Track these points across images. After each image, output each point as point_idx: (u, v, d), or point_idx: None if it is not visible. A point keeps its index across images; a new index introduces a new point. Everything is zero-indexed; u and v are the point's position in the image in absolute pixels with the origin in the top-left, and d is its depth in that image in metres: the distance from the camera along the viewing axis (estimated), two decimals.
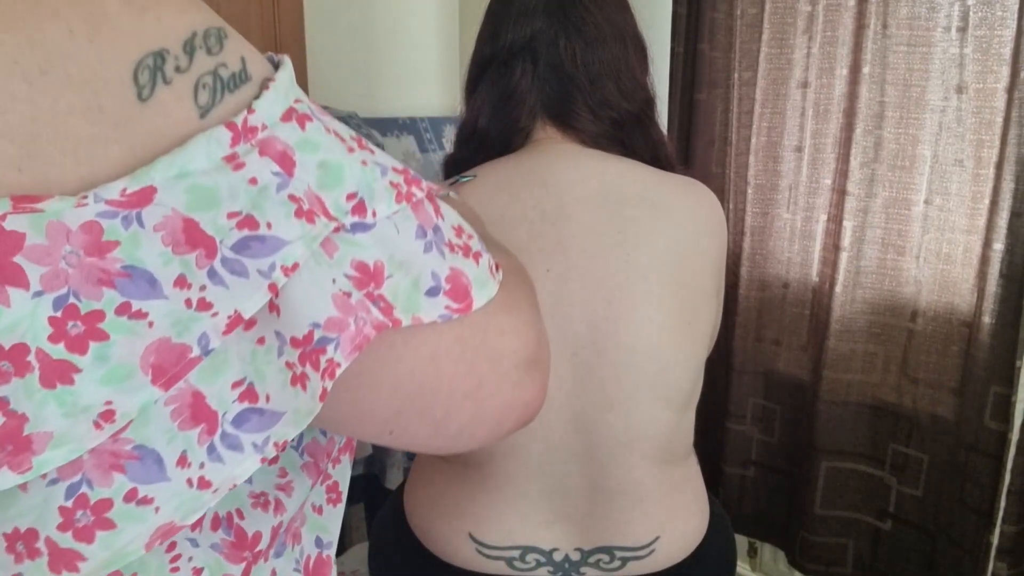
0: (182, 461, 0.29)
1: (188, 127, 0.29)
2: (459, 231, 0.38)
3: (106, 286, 0.27)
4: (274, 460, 0.36)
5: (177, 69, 0.28)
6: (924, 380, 1.30)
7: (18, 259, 0.25)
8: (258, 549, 0.37)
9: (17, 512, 0.28)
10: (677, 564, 0.81)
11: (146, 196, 0.27)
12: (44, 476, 0.27)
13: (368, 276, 0.32)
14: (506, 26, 0.82)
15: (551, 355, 0.75)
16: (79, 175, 0.27)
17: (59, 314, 0.26)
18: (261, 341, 0.31)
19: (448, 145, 1.75)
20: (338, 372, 0.31)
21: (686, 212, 0.80)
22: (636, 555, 0.79)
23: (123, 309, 0.27)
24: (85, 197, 0.26)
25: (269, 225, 0.29)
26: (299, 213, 0.30)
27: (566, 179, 0.78)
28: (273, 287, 0.29)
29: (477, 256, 0.37)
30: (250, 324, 0.30)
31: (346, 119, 1.45)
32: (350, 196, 0.31)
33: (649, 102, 0.86)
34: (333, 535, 0.43)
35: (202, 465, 0.30)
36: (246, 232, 0.29)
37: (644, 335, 0.75)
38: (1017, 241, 1.15)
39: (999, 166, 1.15)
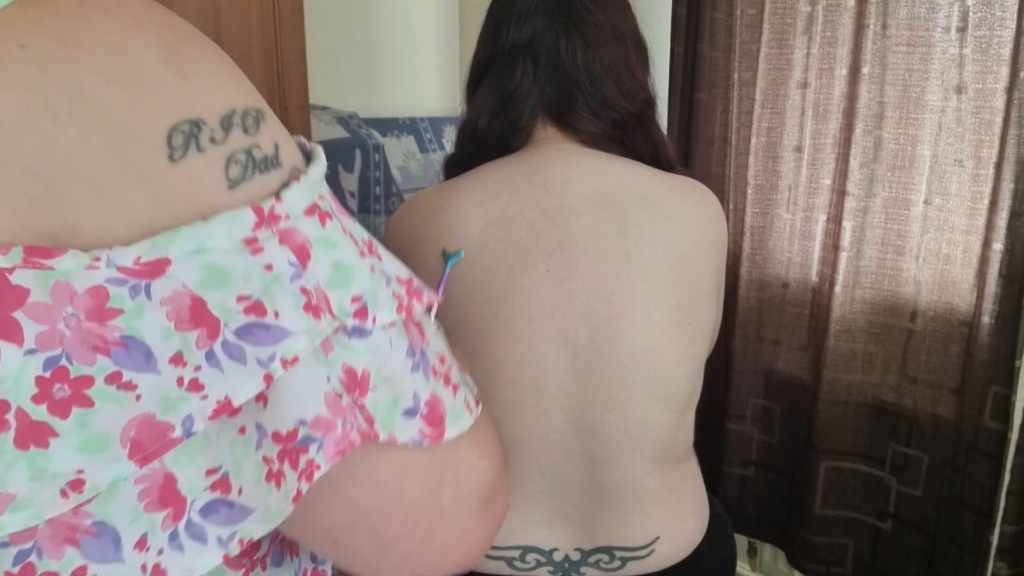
0: (141, 544, 0.28)
1: (216, 196, 0.29)
2: (442, 359, 0.37)
3: (100, 353, 0.26)
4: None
5: (212, 140, 0.29)
6: (924, 380, 1.30)
7: (17, 314, 0.25)
8: (257, 556, 0.37)
9: None
10: (677, 564, 0.81)
11: (159, 267, 0.27)
12: None
13: (354, 383, 0.32)
14: (507, 26, 0.82)
15: (552, 354, 0.75)
16: (97, 219, 0.27)
17: (47, 375, 0.25)
18: (242, 431, 0.30)
19: (448, 145, 1.75)
20: (316, 475, 0.30)
21: (686, 212, 0.80)
22: (636, 555, 0.79)
23: (113, 378, 0.26)
24: (98, 259, 0.26)
25: (277, 314, 0.29)
26: (307, 307, 0.29)
27: (566, 179, 0.78)
28: (268, 378, 0.29)
29: (456, 388, 0.37)
30: (235, 412, 0.29)
31: (346, 119, 1.45)
32: (355, 299, 0.31)
33: (649, 102, 0.86)
34: None
35: (161, 551, 0.29)
36: (252, 318, 0.28)
37: (644, 335, 0.75)
38: (1016, 241, 1.15)
39: (998, 166, 1.15)
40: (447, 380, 0.37)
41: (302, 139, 0.35)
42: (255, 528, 0.30)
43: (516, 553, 0.79)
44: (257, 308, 0.28)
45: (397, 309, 0.33)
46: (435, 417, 0.35)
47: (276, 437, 0.30)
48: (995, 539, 1.21)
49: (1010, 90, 1.13)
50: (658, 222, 0.77)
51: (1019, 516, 1.19)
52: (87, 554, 0.28)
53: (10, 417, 0.25)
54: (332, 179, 1.35)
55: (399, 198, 1.50)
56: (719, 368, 1.51)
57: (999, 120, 1.15)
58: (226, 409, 0.28)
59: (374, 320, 0.32)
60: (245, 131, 0.30)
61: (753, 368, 1.51)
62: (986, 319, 1.18)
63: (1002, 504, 1.20)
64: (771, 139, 1.41)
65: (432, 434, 0.34)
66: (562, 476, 0.78)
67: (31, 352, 0.25)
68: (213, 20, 1.01)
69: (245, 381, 0.28)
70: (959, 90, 1.19)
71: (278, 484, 0.30)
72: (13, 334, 0.25)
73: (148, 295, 0.26)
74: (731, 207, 1.47)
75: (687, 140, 1.52)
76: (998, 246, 1.16)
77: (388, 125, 1.64)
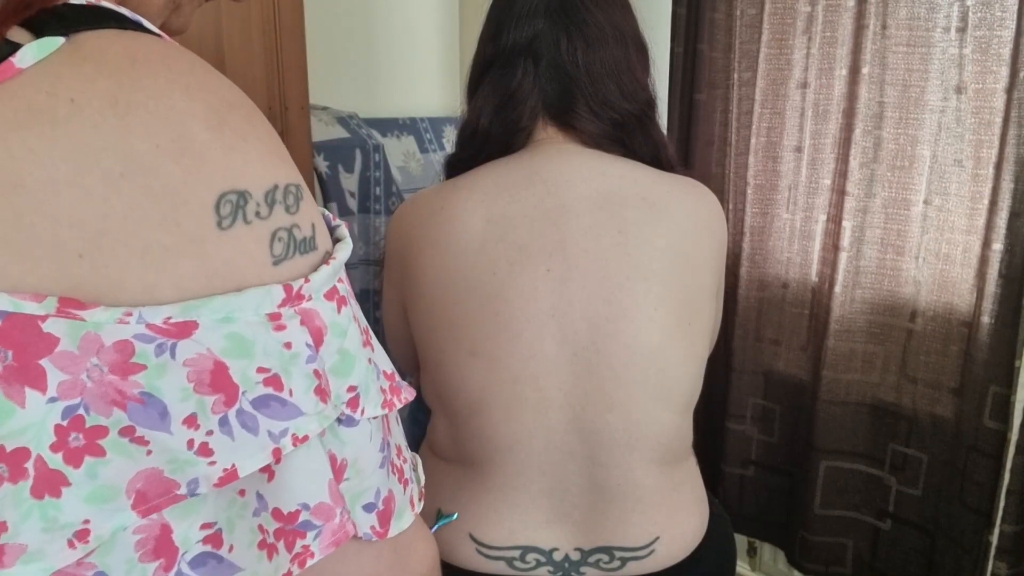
0: None
1: (261, 270, 0.29)
2: (399, 452, 0.38)
3: (117, 406, 0.26)
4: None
5: (258, 215, 0.29)
6: (923, 380, 1.30)
7: (44, 362, 0.25)
8: None
9: None
10: (677, 564, 0.81)
11: (187, 329, 0.27)
12: None
13: (335, 470, 0.32)
14: (508, 27, 0.82)
15: (552, 354, 0.75)
16: (145, 279, 0.27)
17: (65, 423, 0.26)
18: (241, 493, 0.30)
19: (448, 145, 1.75)
20: (309, 563, 0.31)
21: (686, 212, 0.80)
22: (636, 555, 0.79)
23: (127, 432, 0.27)
24: (129, 314, 0.26)
25: (291, 392, 0.29)
26: (318, 390, 0.30)
27: (567, 179, 0.78)
28: (277, 452, 0.29)
29: (406, 483, 0.38)
30: (238, 477, 0.30)
31: (346, 119, 1.45)
32: (351, 388, 0.32)
33: (650, 102, 0.86)
34: None
35: None
36: (270, 391, 0.29)
37: (644, 335, 0.75)
38: (1016, 241, 1.15)
39: (998, 166, 1.15)
40: (400, 475, 0.37)
41: (327, 213, 0.35)
42: None
43: (516, 553, 0.79)
44: (275, 382, 0.29)
45: (382, 404, 0.34)
46: (386, 514, 0.35)
47: (276, 514, 0.30)
48: (994, 539, 1.21)
49: (1010, 90, 1.13)
50: (658, 222, 0.77)
51: (1019, 516, 1.19)
52: None
53: (29, 466, 0.25)
54: (332, 179, 1.35)
55: (399, 198, 1.50)
56: (719, 368, 1.51)
57: (999, 120, 1.15)
58: (232, 478, 0.29)
59: (363, 412, 0.33)
60: (287, 210, 0.31)
61: (753, 368, 1.51)
62: (986, 319, 1.18)
63: (1001, 504, 1.20)
64: (771, 139, 1.41)
65: (379, 531, 0.35)
66: (562, 476, 0.78)
67: (53, 400, 0.25)
68: (214, 21, 1.01)
69: (255, 453, 0.29)
70: (959, 90, 1.19)
71: (270, 556, 0.31)
72: (39, 381, 0.25)
73: (173, 355, 0.27)
74: (731, 207, 1.47)
75: (687, 140, 1.52)
76: (998, 246, 1.16)
77: (388, 125, 1.64)
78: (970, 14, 1.16)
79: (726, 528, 0.90)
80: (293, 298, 0.30)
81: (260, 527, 0.31)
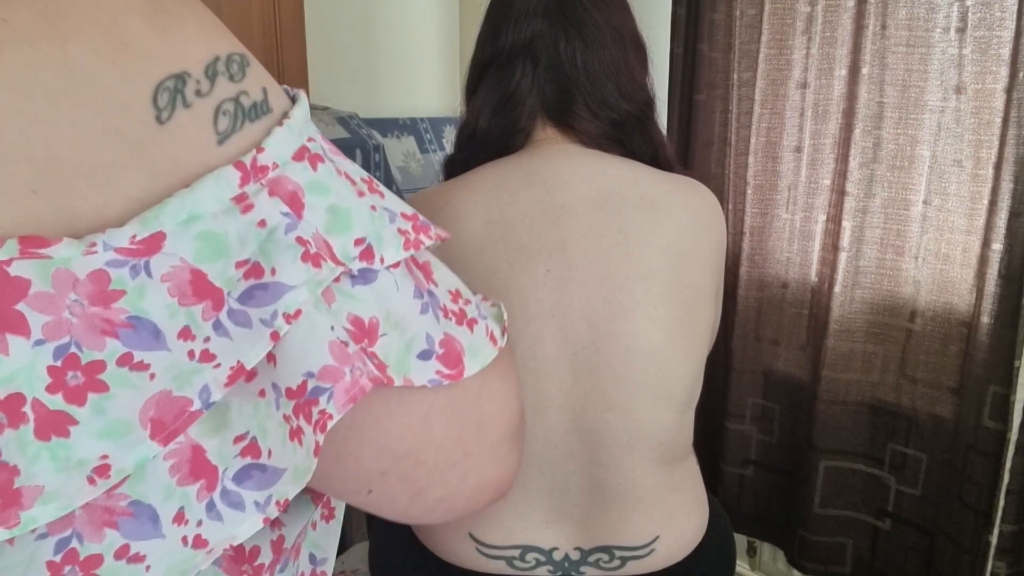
0: (179, 518, 0.28)
1: (206, 154, 0.28)
2: (456, 296, 0.37)
3: (109, 336, 0.26)
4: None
5: (198, 93, 0.28)
6: (923, 380, 1.30)
7: (21, 307, 0.24)
8: (258, 563, 0.36)
9: (6, 565, 0.26)
10: (676, 563, 0.81)
11: (155, 243, 0.26)
12: (33, 530, 0.26)
13: (363, 332, 0.31)
14: (506, 27, 0.82)
15: (552, 354, 0.75)
16: (95, 202, 0.26)
17: (59, 364, 0.25)
18: (262, 394, 0.30)
19: (448, 146, 1.75)
20: (329, 424, 0.29)
21: (686, 212, 0.80)
22: (636, 554, 0.79)
23: (125, 360, 0.26)
24: (94, 245, 0.25)
25: (274, 271, 0.28)
26: (306, 257, 0.29)
27: (566, 179, 0.78)
28: (275, 335, 0.28)
29: (472, 323, 0.36)
30: (251, 375, 0.29)
31: (346, 119, 1.45)
32: (358, 241, 0.31)
33: (649, 103, 0.86)
34: (327, 552, 0.42)
35: (200, 523, 0.29)
36: (252, 281, 0.28)
37: (644, 335, 0.75)
38: (1016, 241, 1.15)
39: (998, 166, 1.15)
40: (461, 318, 0.36)
41: (285, 86, 0.34)
42: (288, 488, 0.30)
43: (516, 552, 0.79)
44: (255, 270, 0.28)
45: (404, 246, 0.33)
46: (452, 357, 0.34)
47: (288, 393, 0.29)
48: (994, 539, 1.21)
49: (1009, 90, 1.13)
50: (658, 222, 0.78)
51: (1018, 516, 1.19)
52: (127, 534, 0.28)
53: (27, 410, 0.25)
54: None
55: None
56: (718, 368, 1.51)
57: (998, 120, 1.15)
58: (240, 374, 0.28)
59: (381, 260, 0.31)
60: (231, 78, 0.29)
61: (752, 368, 1.51)
62: (985, 319, 1.18)
63: (1001, 504, 1.20)
64: (771, 139, 1.41)
65: (451, 374, 0.34)
66: (562, 475, 0.78)
67: (40, 343, 0.25)
68: None
69: (255, 344, 0.28)
70: (958, 90, 1.20)
71: (300, 441, 0.30)
72: (19, 327, 0.24)
73: (149, 273, 0.26)
74: (730, 207, 1.47)
75: (687, 140, 1.52)
76: (997, 246, 1.16)
77: (388, 125, 1.64)
78: (970, 14, 1.17)
79: (726, 528, 0.90)
80: (253, 172, 0.28)
81: (284, 417, 0.30)
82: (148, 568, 0.28)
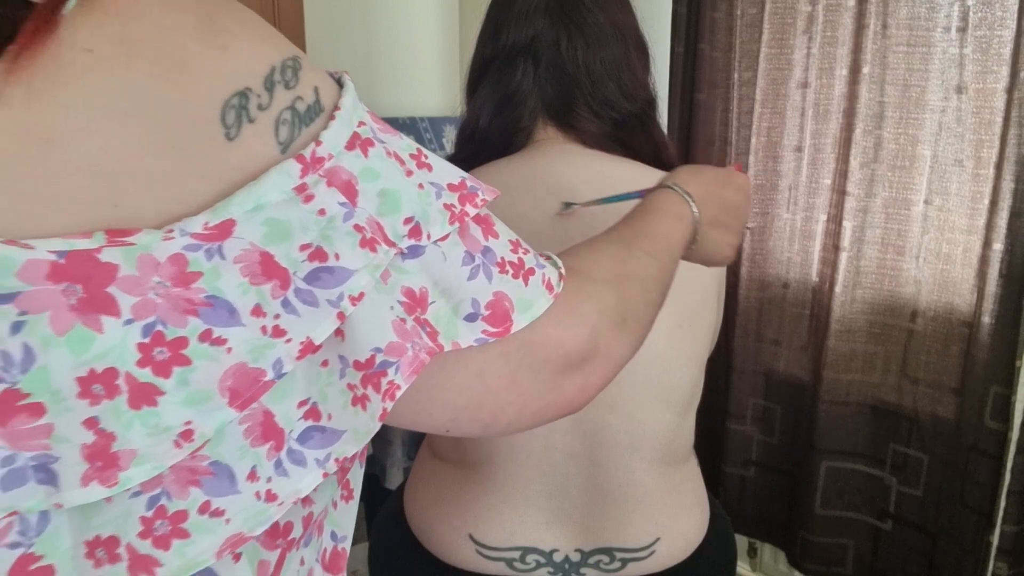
0: (252, 476, 0.32)
1: (271, 164, 0.31)
2: (515, 246, 0.40)
3: (191, 314, 0.29)
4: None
5: (259, 107, 0.30)
6: (924, 380, 1.30)
7: (111, 289, 0.27)
8: (291, 538, 0.38)
9: (101, 521, 0.30)
10: (677, 565, 0.81)
11: (226, 229, 0.29)
12: (127, 489, 0.29)
13: (415, 302, 0.35)
14: (507, 26, 0.82)
15: None
16: (160, 212, 0.29)
17: (147, 340, 0.28)
18: (325, 364, 0.33)
19: (448, 145, 1.75)
20: (398, 394, 0.33)
21: None
22: (636, 556, 0.79)
23: (205, 336, 0.29)
24: (171, 231, 0.28)
25: (337, 256, 0.31)
26: (363, 243, 0.32)
27: (568, 179, 0.78)
28: (341, 315, 0.31)
29: (529, 274, 0.39)
30: (316, 349, 0.32)
31: None
32: (407, 220, 0.34)
33: (650, 102, 0.86)
34: (346, 530, 0.45)
35: (269, 479, 0.32)
36: (316, 264, 0.31)
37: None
38: (1017, 241, 1.15)
39: (999, 166, 1.15)
40: (519, 268, 0.39)
41: (329, 70, 0.36)
42: (347, 447, 0.34)
43: (516, 554, 0.79)
44: (319, 254, 0.31)
45: (450, 220, 0.36)
46: (499, 316, 0.37)
47: (357, 365, 0.33)
48: (995, 539, 1.21)
49: (1010, 90, 1.13)
50: None
51: (1019, 516, 1.19)
52: (208, 491, 0.31)
53: (120, 382, 0.28)
54: None
55: None
56: (719, 368, 1.51)
57: (999, 120, 1.15)
58: (310, 349, 0.31)
59: (428, 236, 0.35)
60: (286, 86, 0.31)
61: (753, 368, 1.51)
62: (986, 319, 1.18)
63: (1002, 504, 1.20)
64: (771, 139, 1.41)
65: (497, 331, 0.37)
66: (562, 477, 0.78)
67: (129, 322, 0.28)
68: None
69: (321, 321, 0.31)
70: (959, 90, 1.19)
71: (364, 406, 0.33)
72: (111, 307, 0.27)
73: (222, 256, 0.29)
74: None
75: (687, 140, 1.52)
76: (998, 246, 1.16)
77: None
78: (970, 14, 1.16)
79: (727, 529, 0.90)
80: (312, 164, 0.31)
81: (349, 385, 0.33)
82: (228, 521, 0.31)
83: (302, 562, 0.40)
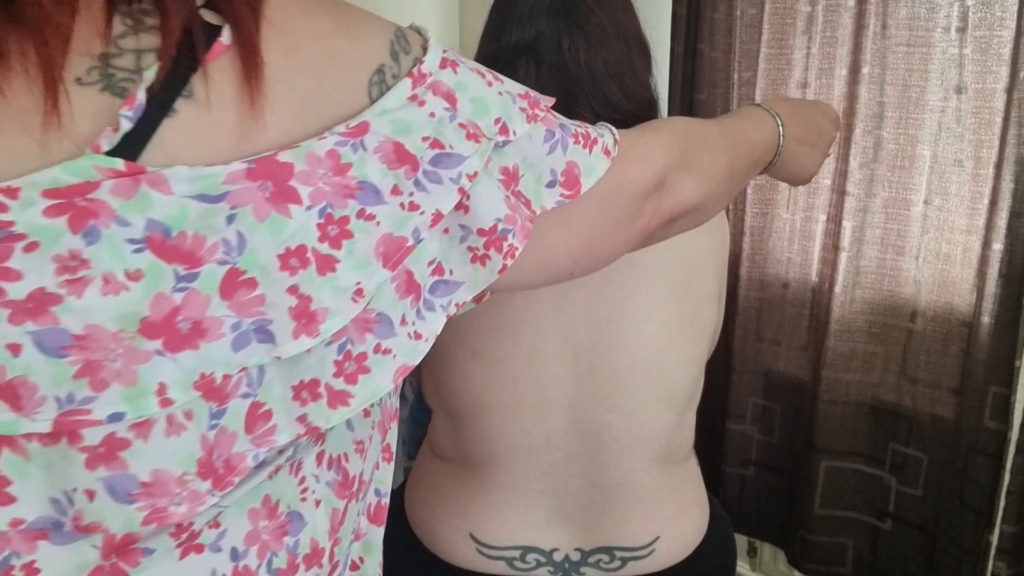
0: (403, 321, 0.39)
1: None
2: (578, 125, 0.49)
3: (349, 197, 0.36)
4: (367, 413, 0.46)
5: (394, 76, 0.39)
6: (924, 380, 1.30)
7: (292, 183, 0.34)
8: (355, 489, 0.46)
9: (304, 368, 0.37)
10: (677, 564, 0.81)
11: (363, 128, 0.36)
12: (323, 339, 0.36)
13: (509, 177, 0.43)
14: (509, 26, 0.82)
15: (553, 354, 0.75)
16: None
17: (322, 221, 0.35)
18: (446, 231, 0.41)
19: None
20: (516, 253, 0.42)
21: None
22: (636, 555, 0.79)
23: (360, 214, 0.36)
24: (323, 136, 0.35)
25: (452, 146, 0.39)
26: (469, 136, 0.40)
27: None
28: (462, 191, 0.40)
29: (593, 143, 0.48)
30: (442, 217, 0.40)
31: None
32: (496, 120, 0.42)
33: (652, 103, 0.86)
34: (388, 487, 0.53)
35: (414, 323, 0.40)
36: (437, 151, 0.39)
37: (646, 336, 0.75)
38: (1016, 241, 1.15)
39: (998, 166, 1.15)
40: (586, 139, 0.47)
41: (405, 26, 0.43)
42: (465, 295, 0.42)
43: (516, 553, 0.79)
44: (437, 144, 0.39)
45: (527, 119, 0.44)
46: (571, 180, 0.46)
47: (481, 232, 0.41)
48: (995, 539, 1.21)
49: (1010, 90, 1.13)
50: None
51: (1019, 516, 1.19)
52: (377, 335, 0.39)
53: (309, 255, 0.35)
54: None
55: None
56: (719, 368, 1.51)
57: (999, 120, 1.15)
58: (439, 219, 0.39)
59: (514, 133, 0.43)
60: (406, 52, 0.40)
61: (753, 368, 1.51)
62: (986, 319, 1.18)
63: (1002, 504, 1.20)
64: None
65: (571, 194, 0.46)
66: (563, 476, 0.78)
67: (308, 208, 0.34)
68: None
69: (446, 196, 0.39)
70: (959, 90, 1.19)
71: (484, 263, 0.42)
72: (295, 197, 0.34)
73: (364, 148, 0.36)
74: (731, 207, 1.47)
75: None
76: (998, 246, 1.16)
77: None
78: (970, 14, 1.16)
79: (726, 528, 0.90)
80: (419, 78, 0.39)
81: (469, 248, 0.42)
82: (394, 357, 0.39)
83: (358, 513, 0.48)
